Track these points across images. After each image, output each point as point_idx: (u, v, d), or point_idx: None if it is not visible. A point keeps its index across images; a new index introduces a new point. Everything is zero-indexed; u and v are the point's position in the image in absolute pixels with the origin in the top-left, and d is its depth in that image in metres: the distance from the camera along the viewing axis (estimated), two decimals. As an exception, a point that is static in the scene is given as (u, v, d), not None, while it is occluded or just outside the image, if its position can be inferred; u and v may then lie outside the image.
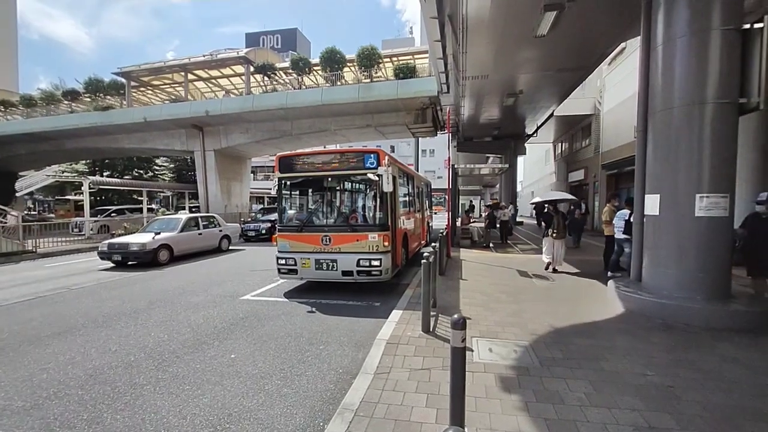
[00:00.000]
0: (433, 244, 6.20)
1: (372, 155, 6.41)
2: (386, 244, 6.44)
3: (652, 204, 5.25)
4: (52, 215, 31.14)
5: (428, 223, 13.64)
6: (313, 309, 5.88)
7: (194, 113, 19.96)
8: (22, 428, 2.82)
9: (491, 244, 12.42)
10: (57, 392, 3.36)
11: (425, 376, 3.33)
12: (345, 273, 6.46)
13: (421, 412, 2.78)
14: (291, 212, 7.47)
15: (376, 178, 6.36)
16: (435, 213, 17.72)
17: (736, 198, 4.93)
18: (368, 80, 18.14)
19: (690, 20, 4.80)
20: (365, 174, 6.46)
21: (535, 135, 19.80)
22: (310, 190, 7.61)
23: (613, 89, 15.49)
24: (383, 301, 6.22)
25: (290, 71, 20.31)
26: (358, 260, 6.38)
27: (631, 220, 6.26)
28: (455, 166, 13.57)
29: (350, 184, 7.26)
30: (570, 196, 10.24)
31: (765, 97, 4.75)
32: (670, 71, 5.00)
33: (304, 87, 19.73)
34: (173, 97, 25.22)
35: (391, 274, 6.72)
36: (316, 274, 6.63)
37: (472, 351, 3.79)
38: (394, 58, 19.86)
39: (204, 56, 21.48)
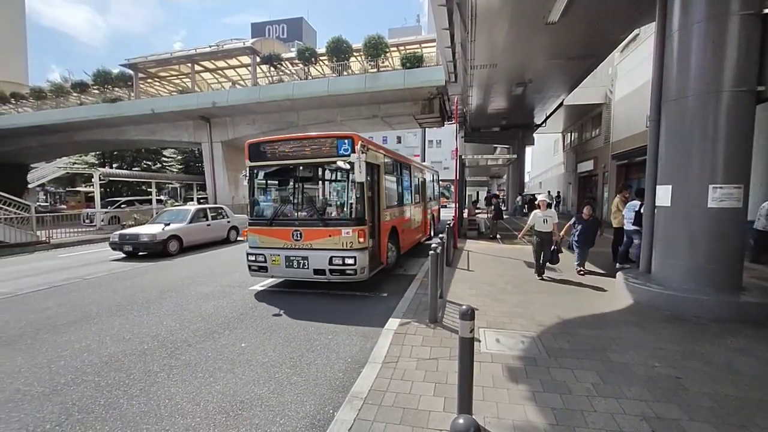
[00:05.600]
0: (440, 235, 6.18)
1: (346, 140, 5.78)
2: (361, 240, 5.81)
3: (663, 195, 5.18)
4: (64, 206, 31.67)
5: (433, 215, 13.11)
6: (319, 300, 5.95)
7: (201, 105, 20.01)
8: (42, 413, 2.92)
9: (498, 236, 12.38)
10: (74, 378, 3.46)
11: (433, 365, 3.37)
12: (317, 271, 5.92)
13: (428, 400, 2.82)
14: (262, 204, 6.81)
15: (348, 167, 5.72)
16: (443, 206, 17.44)
17: (750, 188, 4.84)
18: (375, 70, 17.97)
19: (707, 5, 4.66)
20: (337, 161, 5.84)
21: (543, 125, 19.54)
22: (281, 180, 6.85)
23: (625, 77, 15.15)
24: (390, 292, 6.26)
25: (296, 61, 20.19)
26: (331, 258, 5.78)
27: (642, 211, 6.19)
28: (462, 157, 13.47)
29: (323, 173, 6.54)
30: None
31: (784, 85, 4.62)
32: (685, 58, 4.88)
33: (310, 77, 19.63)
34: (180, 88, 25.26)
35: (369, 273, 6.11)
36: (286, 272, 6.16)
37: (480, 341, 3.82)
38: (401, 48, 19.63)
39: (210, 47, 21.42)
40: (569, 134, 24.75)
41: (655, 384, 3.00)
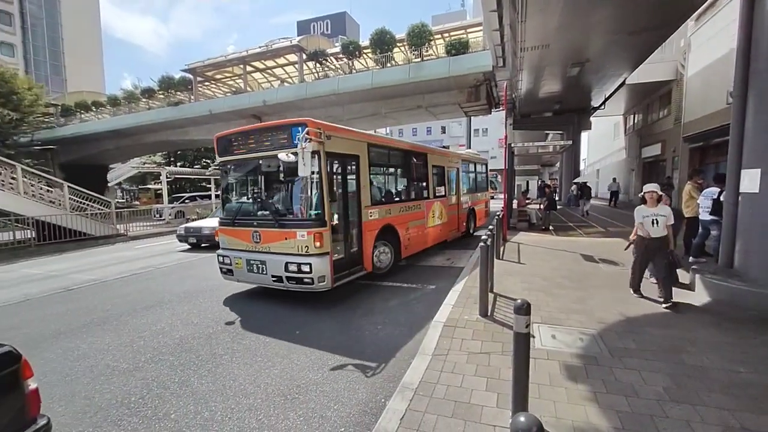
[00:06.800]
0: (490, 227, 5.99)
1: (299, 127, 4.93)
2: (318, 244, 5.01)
3: (750, 180, 4.58)
4: (137, 202, 35.12)
5: (472, 208, 11.59)
6: (368, 291, 6.04)
7: (253, 103, 21.00)
8: (128, 386, 3.28)
9: (551, 227, 11.76)
10: (152, 357, 3.85)
11: (484, 360, 3.29)
12: (275, 278, 5.30)
13: (481, 395, 2.77)
14: (229, 203, 6.38)
15: (293, 158, 4.78)
16: (491, 197, 16.44)
17: None
18: (418, 59, 17.69)
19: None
20: (279, 154, 4.98)
21: (602, 107, 18.08)
22: (243, 176, 6.34)
23: (701, 49, 13.52)
24: (438, 284, 6.20)
25: (341, 56, 20.46)
26: (287, 263, 5.12)
27: (722, 198, 5.53)
28: (512, 145, 12.85)
29: (282, 166, 5.45)
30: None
31: None
32: (779, 22, 4.23)
33: (354, 71, 19.79)
34: (234, 89, 26.72)
35: (336, 282, 5.34)
36: (248, 277, 5.64)
37: (534, 337, 3.66)
38: (446, 34, 19.11)
39: (260, 47, 22.33)
40: (632, 116, 22.72)
41: (741, 391, 2.70)
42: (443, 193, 9.42)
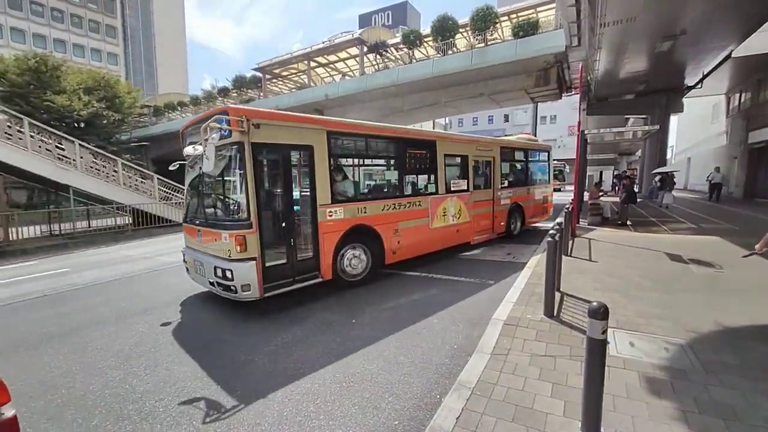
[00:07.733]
0: (558, 220, 5.53)
1: (222, 116, 4.45)
2: (239, 248, 4.43)
3: None
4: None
5: (514, 204, 9.36)
6: (425, 284, 5.95)
7: (316, 98, 21.80)
8: (202, 362, 3.60)
9: (629, 222, 10.60)
10: (215, 339, 4.14)
11: (549, 363, 3.05)
12: (211, 282, 4.85)
13: (545, 401, 2.56)
14: (187, 198, 6.01)
15: (199, 151, 4.35)
16: (558, 189, 14.88)
17: None
18: (482, 45, 16.91)
19: None
20: (185, 149, 4.70)
21: (698, 87, 15.77)
22: (194, 170, 5.74)
23: (836, 9, 11.08)
24: (497, 280, 5.90)
25: (401, 46, 20.33)
26: (215, 267, 4.63)
27: None
28: (585, 132, 11.72)
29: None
30: None
31: None
32: None
33: (414, 61, 19.54)
34: (299, 85, 27.98)
35: (260, 293, 4.59)
36: (197, 278, 5.33)
37: (609, 343, 3.31)
38: (513, 15, 18.01)
39: (323, 43, 23.05)
40: (737, 95, 19.54)
41: None
42: (465, 188, 8.01)
